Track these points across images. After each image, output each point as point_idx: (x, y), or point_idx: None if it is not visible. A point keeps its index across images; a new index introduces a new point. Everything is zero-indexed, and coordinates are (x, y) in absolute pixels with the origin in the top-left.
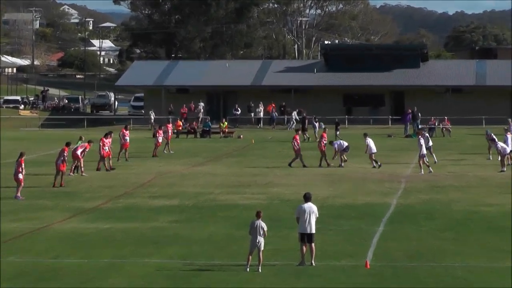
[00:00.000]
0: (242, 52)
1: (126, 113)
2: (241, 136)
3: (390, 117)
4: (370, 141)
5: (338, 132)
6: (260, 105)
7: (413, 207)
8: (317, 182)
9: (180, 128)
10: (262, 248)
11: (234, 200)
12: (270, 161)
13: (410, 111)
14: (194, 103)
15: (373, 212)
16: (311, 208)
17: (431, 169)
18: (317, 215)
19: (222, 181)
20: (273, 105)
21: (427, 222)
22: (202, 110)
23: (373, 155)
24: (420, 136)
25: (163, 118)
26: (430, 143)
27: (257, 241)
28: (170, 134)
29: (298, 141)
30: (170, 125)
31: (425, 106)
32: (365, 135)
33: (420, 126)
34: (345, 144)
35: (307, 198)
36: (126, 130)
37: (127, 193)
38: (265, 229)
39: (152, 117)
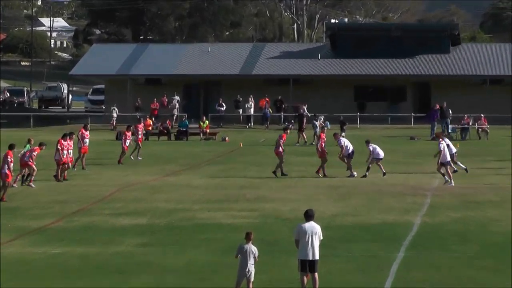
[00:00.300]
0: (228, 33)
1: (83, 109)
2: (227, 138)
3: (413, 114)
4: (375, 147)
5: (343, 134)
6: (250, 99)
7: (442, 227)
8: (321, 196)
9: (150, 128)
10: (252, 279)
11: (218, 219)
12: (263, 169)
13: (438, 107)
14: (167, 96)
15: (391, 234)
16: (314, 228)
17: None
18: (322, 238)
19: (202, 195)
20: (267, 99)
21: (459, 246)
22: (177, 106)
23: (379, 161)
24: (440, 139)
25: (128, 116)
26: (454, 150)
27: (247, 269)
28: (141, 136)
29: (282, 142)
30: (141, 126)
31: (456, 101)
32: (367, 142)
33: (450, 126)
34: (351, 148)
35: (309, 216)
36: (86, 130)
37: (84, 209)
38: (257, 254)
39: (115, 115)
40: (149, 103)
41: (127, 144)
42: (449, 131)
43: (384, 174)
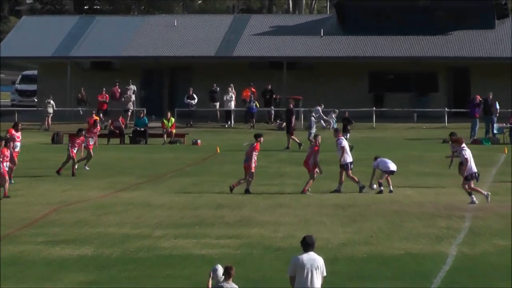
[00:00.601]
0: (200, 1)
1: (8, 103)
2: (199, 141)
3: (446, 109)
4: (383, 160)
5: (348, 135)
6: (230, 89)
7: (484, 259)
8: (325, 218)
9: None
10: None
11: (187, 248)
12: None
13: (479, 99)
14: (120, 86)
15: (418, 269)
16: (315, 261)
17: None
18: (325, 273)
19: (166, 216)
20: (253, 89)
21: (506, 283)
22: (133, 98)
23: (390, 174)
24: (463, 146)
25: (68, 111)
26: None
27: None
28: (94, 142)
29: (256, 155)
30: (97, 129)
31: (504, 93)
32: (376, 159)
33: (496, 125)
34: (350, 157)
35: (307, 245)
36: (17, 131)
37: (10, 235)
38: None
39: (51, 110)
40: (96, 94)
41: (75, 151)
42: (495, 131)
43: (391, 191)
